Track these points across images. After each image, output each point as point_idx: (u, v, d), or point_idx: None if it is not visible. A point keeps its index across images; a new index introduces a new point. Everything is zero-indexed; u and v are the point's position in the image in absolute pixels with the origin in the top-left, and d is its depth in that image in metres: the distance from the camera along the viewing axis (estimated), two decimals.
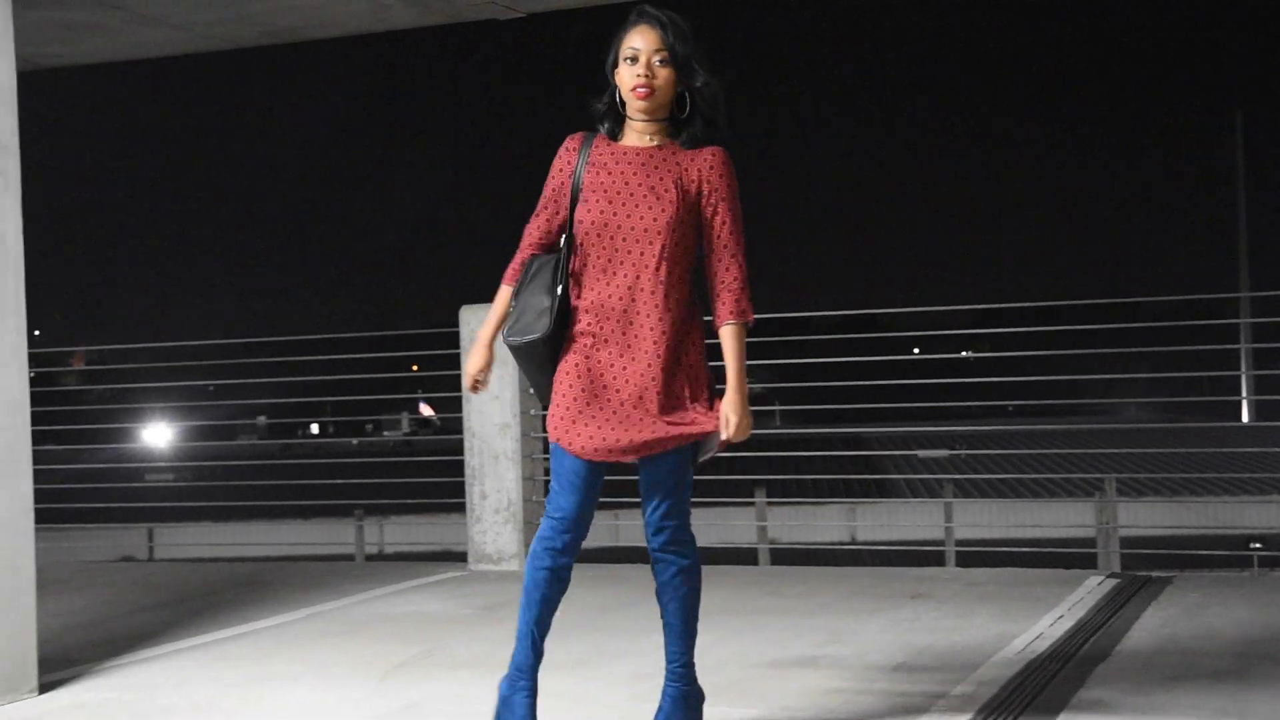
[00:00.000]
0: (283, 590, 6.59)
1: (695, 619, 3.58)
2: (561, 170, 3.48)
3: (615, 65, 3.42)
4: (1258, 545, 14.42)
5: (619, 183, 3.39)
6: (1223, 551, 13.42)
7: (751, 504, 13.84)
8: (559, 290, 3.40)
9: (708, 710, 3.65)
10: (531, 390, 3.54)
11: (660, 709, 3.58)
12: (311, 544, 16.52)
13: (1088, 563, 10.04)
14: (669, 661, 3.58)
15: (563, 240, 3.45)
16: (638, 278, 3.37)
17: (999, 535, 15.32)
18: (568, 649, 4.97)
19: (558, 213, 3.48)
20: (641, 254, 3.37)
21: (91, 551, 14.64)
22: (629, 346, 3.39)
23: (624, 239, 3.37)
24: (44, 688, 4.57)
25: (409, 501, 14.95)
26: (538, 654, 3.50)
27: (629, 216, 3.37)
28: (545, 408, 3.49)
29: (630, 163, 3.41)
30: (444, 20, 7.46)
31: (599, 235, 3.37)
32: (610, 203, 3.37)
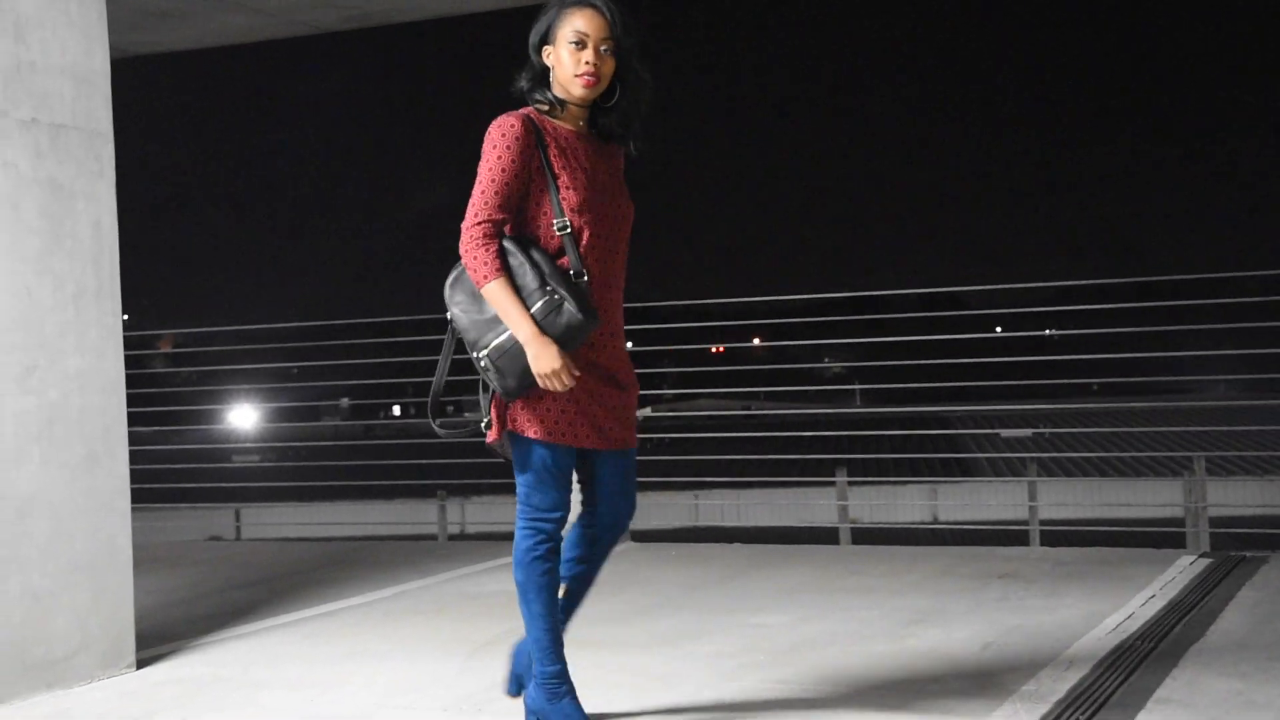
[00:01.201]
0: (369, 569, 6.66)
1: None
2: (524, 154, 3.26)
3: (546, 43, 3.34)
4: None
5: (591, 170, 3.35)
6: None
7: (832, 484, 13.78)
8: (585, 278, 3.28)
9: (796, 689, 3.65)
10: (496, 388, 3.25)
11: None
12: (395, 524, 16.66)
13: (1176, 543, 9.88)
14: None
15: (556, 227, 3.27)
16: (616, 267, 3.40)
17: (1085, 515, 15.14)
18: (650, 628, 5.00)
19: (526, 200, 3.30)
20: (618, 243, 3.40)
21: (180, 531, 14.88)
22: (613, 335, 3.40)
23: (607, 228, 3.35)
24: (141, 663, 4.66)
25: (490, 481, 15.05)
26: (563, 655, 3.46)
27: (610, 205, 3.36)
28: (511, 398, 3.29)
29: (590, 150, 3.38)
30: (525, 3, 7.47)
31: (592, 224, 3.32)
32: (595, 191, 3.33)
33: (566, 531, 3.49)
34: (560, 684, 3.40)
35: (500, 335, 3.23)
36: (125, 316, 4.93)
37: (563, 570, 3.48)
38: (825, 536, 13.42)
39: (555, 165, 3.29)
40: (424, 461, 12.34)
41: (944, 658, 4.35)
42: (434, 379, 3.49)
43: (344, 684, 4.29)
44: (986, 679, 4.03)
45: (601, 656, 4.53)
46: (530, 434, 3.29)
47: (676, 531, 14.82)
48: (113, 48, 7.97)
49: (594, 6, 3.30)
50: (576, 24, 3.28)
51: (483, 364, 3.27)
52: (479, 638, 4.90)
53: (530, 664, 3.49)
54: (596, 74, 3.27)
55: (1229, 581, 5.42)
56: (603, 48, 3.28)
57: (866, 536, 13.93)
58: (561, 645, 3.43)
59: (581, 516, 3.54)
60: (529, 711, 3.46)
